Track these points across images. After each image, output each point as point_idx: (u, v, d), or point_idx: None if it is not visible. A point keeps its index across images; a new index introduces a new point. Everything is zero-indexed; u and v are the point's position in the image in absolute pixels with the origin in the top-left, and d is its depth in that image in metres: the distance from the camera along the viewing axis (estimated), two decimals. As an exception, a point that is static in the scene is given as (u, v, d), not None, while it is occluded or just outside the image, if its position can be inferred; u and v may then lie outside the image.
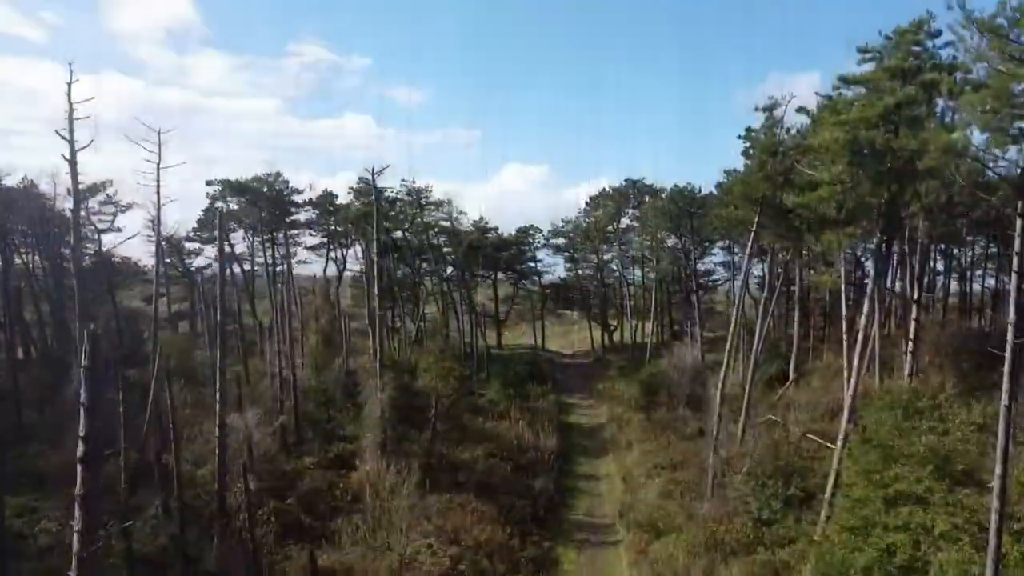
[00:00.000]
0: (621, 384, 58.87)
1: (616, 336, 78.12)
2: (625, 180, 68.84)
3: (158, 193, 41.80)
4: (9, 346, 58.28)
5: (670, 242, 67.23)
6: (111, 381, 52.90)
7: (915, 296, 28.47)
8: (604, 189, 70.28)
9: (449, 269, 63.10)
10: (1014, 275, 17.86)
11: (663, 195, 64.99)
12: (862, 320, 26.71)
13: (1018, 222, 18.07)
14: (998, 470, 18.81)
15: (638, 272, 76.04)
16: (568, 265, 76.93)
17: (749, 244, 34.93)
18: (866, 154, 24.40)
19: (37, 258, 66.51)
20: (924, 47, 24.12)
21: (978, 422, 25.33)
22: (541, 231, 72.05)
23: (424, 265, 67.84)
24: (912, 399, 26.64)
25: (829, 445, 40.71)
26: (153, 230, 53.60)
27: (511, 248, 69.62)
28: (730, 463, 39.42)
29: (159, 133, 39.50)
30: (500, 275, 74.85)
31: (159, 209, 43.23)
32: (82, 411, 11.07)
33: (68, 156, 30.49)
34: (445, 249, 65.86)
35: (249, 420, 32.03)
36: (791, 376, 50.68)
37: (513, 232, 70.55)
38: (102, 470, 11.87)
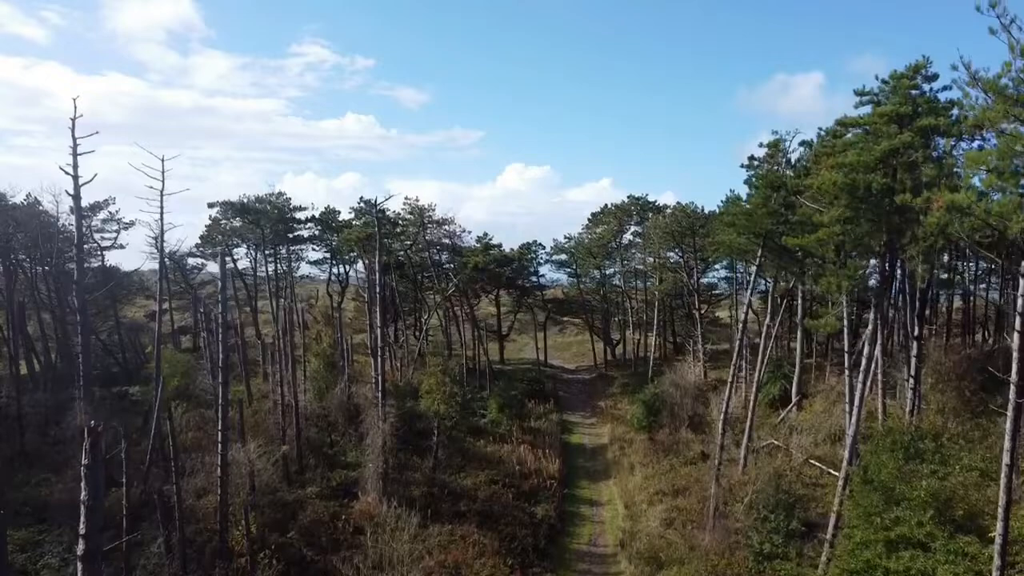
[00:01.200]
0: (624, 402, 58.89)
1: (619, 349, 78.09)
2: (628, 196, 69.04)
3: (161, 219, 41.85)
4: (12, 359, 58.69)
5: (672, 257, 67.19)
6: (113, 401, 53.01)
7: (916, 332, 28.37)
8: (606, 206, 70.35)
9: (452, 288, 62.89)
10: (1016, 335, 17.81)
11: (666, 212, 65.09)
12: (863, 362, 26.62)
13: (1021, 281, 18.06)
14: (999, 528, 18.80)
15: (640, 284, 75.98)
16: (571, 280, 76.96)
17: (752, 276, 34.92)
18: (864, 196, 24.40)
19: (40, 269, 66.69)
20: (921, 91, 24.08)
21: (979, 467, 25.26)
22: (544, 247, 72.24)
23: (427, 280, 67.90)
24: (914, 439, 26.61)
25: (831, 472, 40.72)
26: (156, 248, 53.67)
27: (513, 263, 69.50)
28: (732, 491, 39.39)
29: (163, 160, 39.48)
30: (502, 292, 74.79)
31: (162, 233, 43.34)
32: (83, 508, 11.06)
33: (72, 191, 30.59)
34: (447, 265, 65.93)
35: (251, 454, 32.05)
36: (793, 397, 50.64)
37: (516, 248, 70.55)
38: (103, 565, 11.78)
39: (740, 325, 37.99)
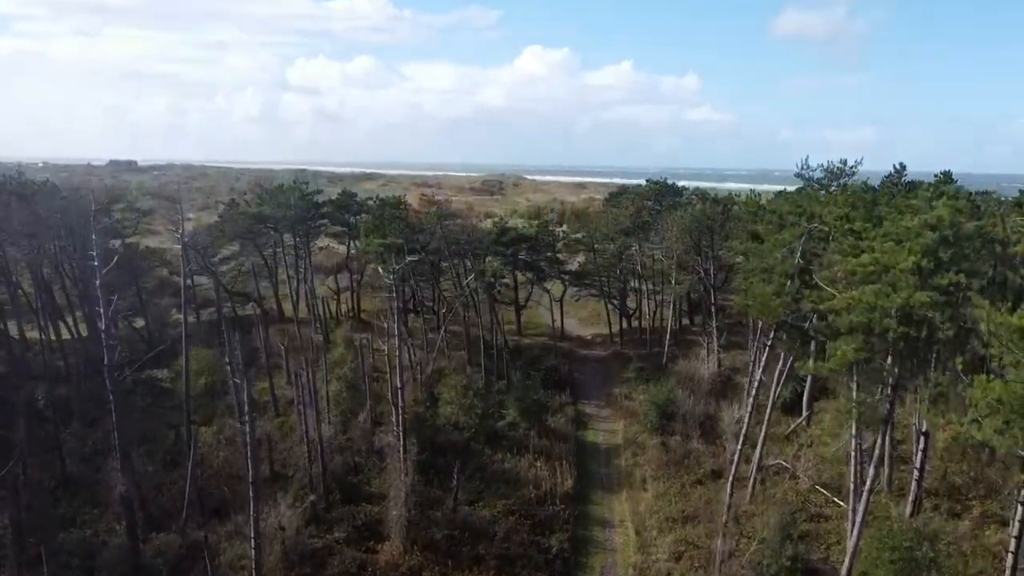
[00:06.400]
0: (638, 391, 60.35)
1: (634, 319, 78.81)
2: (647, 180, 68.14)
3: (184, 254, 42.45)
4: (43, 328, 60.90)
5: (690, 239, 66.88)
6: (143, 390, 54.67)
7: (924, 428, 29.03)
8: (624, 187, 69.56)
9: (468, 282, 63.42)
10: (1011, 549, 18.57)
11: (685, 195, 64.56)
12: (868, 478, 27.46)
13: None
14: None
15: (659, 255, 75.82)
16: (589, 256, 77.00)
17: (765, 351, 35.40)
18: (880, 336, 24.61)
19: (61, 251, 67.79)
20: (944, 239, 23.74)
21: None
22: (561, 226, 72.10)
23: (444, 264, 68.48)
24: (914, 543, 27.75)
25: (838, 502, 42.38)
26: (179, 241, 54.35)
27: (530, 241, 69.64)
28: (739, 521, 41.20)
29: (179, 204, 39.81)
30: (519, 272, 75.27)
31: (184, 265, 44.03)
32: None
33: (96, 268, 31.21)
34: (465, 249, 66.30)
35: (282, 516, 33.89)
36: (804, 408, 51.78)
37: (533, 224, 70.53)
38: None
39: (750, 398, 38.53)
